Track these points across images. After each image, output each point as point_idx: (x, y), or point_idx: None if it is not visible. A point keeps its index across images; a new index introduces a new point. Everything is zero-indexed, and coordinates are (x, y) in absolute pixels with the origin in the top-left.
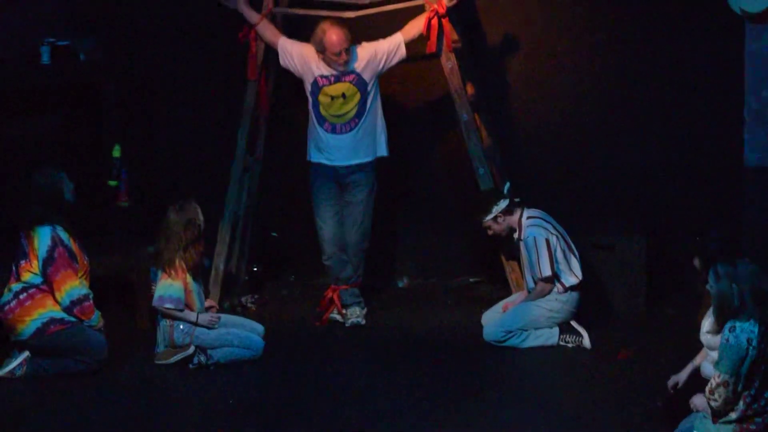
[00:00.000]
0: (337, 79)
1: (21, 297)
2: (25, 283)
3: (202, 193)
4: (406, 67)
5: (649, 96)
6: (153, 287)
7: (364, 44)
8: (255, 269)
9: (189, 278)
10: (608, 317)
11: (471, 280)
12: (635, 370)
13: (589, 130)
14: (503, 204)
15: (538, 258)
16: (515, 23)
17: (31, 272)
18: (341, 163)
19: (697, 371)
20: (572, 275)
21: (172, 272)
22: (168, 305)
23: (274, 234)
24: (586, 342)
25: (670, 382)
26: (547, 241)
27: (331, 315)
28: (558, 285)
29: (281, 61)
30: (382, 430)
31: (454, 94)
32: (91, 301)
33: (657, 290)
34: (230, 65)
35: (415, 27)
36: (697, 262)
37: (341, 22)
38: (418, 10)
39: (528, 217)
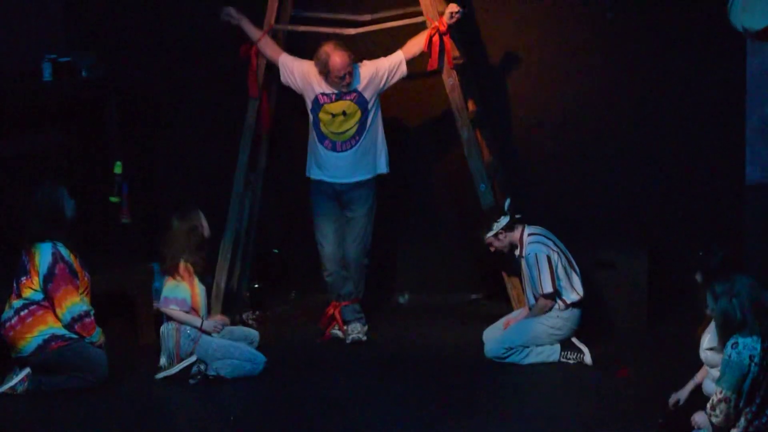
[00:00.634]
0: (338, 97)
1: (22, 313)
2: (26, 299)
3: (203, 209)
4: (408, 84)
5: (650, 113)
6: (155, 304)
7: (366, 62)
8: (256, 286)
9: (196, 281)
10: (609, 334)
11: (472, 296)
12: (637, 387)
13: (590, 147)
14: (504, 221)
15: (540, 275)
16: (516, 41)
17: (32, 289)
18: (341, 181)
19: (698, 388)
20: (573, 292)
21: (177, 276)
22: (173, 306)
23: (275, 250)
24: (588, 359)
25: (672, 400)
26: (549, 258)
27: (332, 331)
28: (559, 302)
29: (282, 78)
30: None
31: (455, 111)
32: (92, 318)
33: (658, 307)
34: (232, 82)
35: (416, 44)
36: (698, 277)
37: (343, 42)
38: (419, 27)
39: (529, 234)
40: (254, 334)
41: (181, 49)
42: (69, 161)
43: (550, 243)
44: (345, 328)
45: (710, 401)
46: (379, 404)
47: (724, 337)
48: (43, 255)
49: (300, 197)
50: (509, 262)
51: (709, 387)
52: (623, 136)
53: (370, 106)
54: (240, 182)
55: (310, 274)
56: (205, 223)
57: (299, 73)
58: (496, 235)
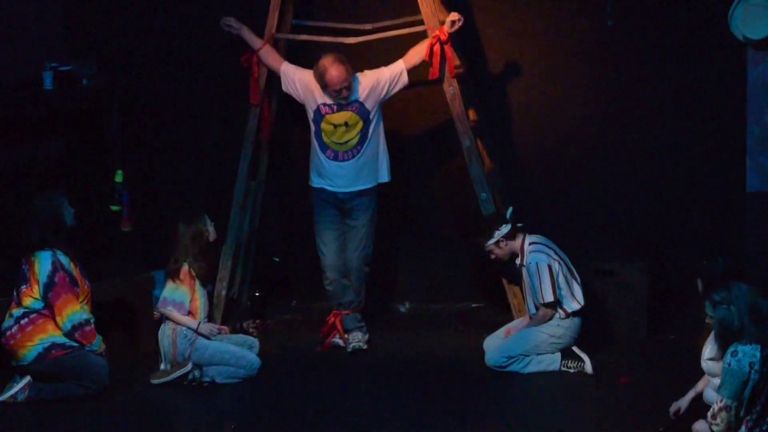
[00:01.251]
0: (340, 108)
1: (22, 322)
2: (26, 308)
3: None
4: (409, 92)
5: (651, 122)
6: (155, 313)
7: (366, 72)
8: (257, 294)
9: (197, 286)
10: (610, 343)
11: (473, 305)
12: (637, 396)
13: (591, 155)
14: (506, 229)
15: (540, 284)
16: (517, 49)
17: (32, 297)
18: (343, 190)
19: (699, 397)
20: (574, 301)
21: (177, 279)
22: (170, 308)
23: (276, 259)
24: (588, 367)
25: (672, 408)
26: (549, 267)
27: (333, 340)
28: (560, 310)
29: (283, 87)
30: None
31: (456, 119)
32: (92, 326)
33: (659, 316)
34: (232, 90)
35: (417, 54)
36: (700, 284)
37: (344, 52)
38: (420, 36)
39: (530, 243)
40: (253, 340)
41: (182, 58)
42: (70, 170)
43: (551, 252)
44: (346, 336)
45: (711, 410)
46: (379, 412)
47: (723, 345)
48: (42, 263)
49: (301, 205)
50: (509, 270)
51: (710, 395)
52: (624, 145)
53: (371, 116)
54: (241, 190)
55: (310, 282)
56: (211, 228)
57: (301, 82)
58: (497, 243)
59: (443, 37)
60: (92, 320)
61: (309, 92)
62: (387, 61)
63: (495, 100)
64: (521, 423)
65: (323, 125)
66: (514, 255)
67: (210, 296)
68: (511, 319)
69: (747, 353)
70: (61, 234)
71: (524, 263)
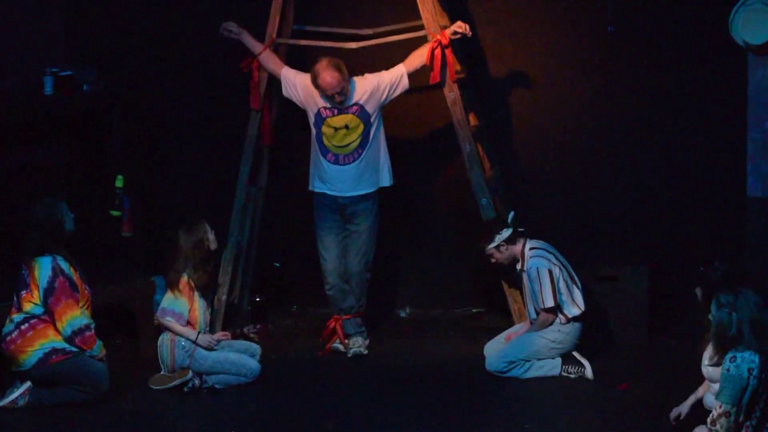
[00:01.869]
0: (340, 111)
1: (22, 327)
2: (26, 313)
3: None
4: (409, 97)
5: (652, 126)
6: (156, 318)
7: (367, 76)
8: (257, 299)
9: (196, 296)
10: (610, 348)
11: (473, 310)
12: (638, 401)
13: (592, 160)
14: (507, 233)
15: (541, 289)
16: (518, 55)
17: (32, 302)
18: (344, 194)
19: (699, 403)
20: (575, 306)
21: (176, 291)
22: (169, 318)
23: (277, 264)
24: (589, 373)
25: (673, 414)
26: (550, 272)
27: (334, 345)
28: (560, 316)
29: (284, 91)
30: None
31: (456, 124)
32: (93, 331)
33: (659, 321)
34: (233, 95)
35: (418, 58)
36: (698, 293)
37: (343, 57)
38: (421, 41)
39: (531, 248)
40: (255, 347)
41: (183, 63)
42: (70, 175)
43: (552, 257)
44: (346, 341)
45: (710, 415)
46: (379, 418)
47: (716, 346)
48: (42, 269)
49: (301, 210)
50: (509, 275)
51: (710, 401)
52: (624, 150)
53: (372, 119)
54: (241, 195)
55: (311, 287)
56: (211, 236)
57: (302, 86)
58: (497, 247)
59: (444, 42)
60: (92, 325)
61: (310, 96)
62: (388, 66)
63: (496, 105)
64: (521, 428)
65: (324, 128)
66: (514, 260)
67: (210, 304)
68: (511, 324)
69: (746, 359)
70: (61, 239)
71: (525, 268)
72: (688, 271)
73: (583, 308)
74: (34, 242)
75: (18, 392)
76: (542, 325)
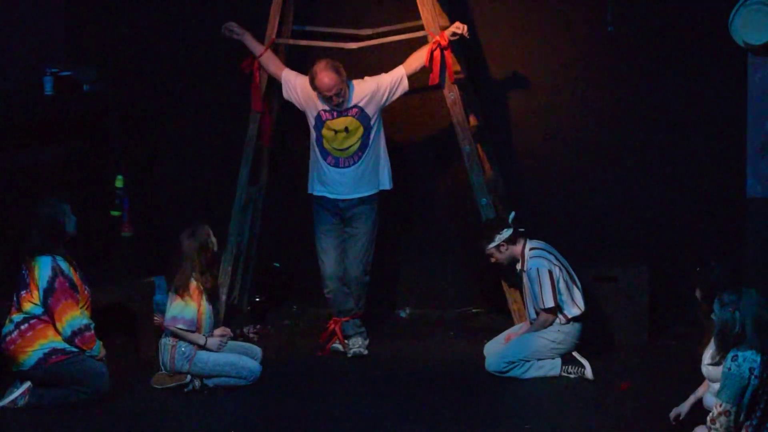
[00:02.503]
0: (340, 113)
1: (22, 327)
2: (26, 313)
3: (204, 222)
4: (409, 98)
5: (651, 127)
6: (156, 318)
7: (367, 78)
8: (257, 299)
9: (204, 300)
10: (611, 348)
11: (473, 310)
12: (637, 401)
13: (592, 161)
14: (507, 233)
15: (541, 289)
16: (517, 55)
17: (31, 303)
18: (343, 197)
19: (699, 403)
20: (575, 306)
21: (186, 296)
22: (180, 326)
23: (277, 264)
24: (589, 373)
25: (673, 414)
26: (550, 273)
27: (334, 345)
28: (560, 316)
29: (284, 94)
30: None
31: (456, 125)
32: (93, 331)
33: (659, 321)
34: (233, 96)
35: (417, 59)
36: (698, 294)
37: (339, 61)
38: (421, 41)
39: (531, 249)
40: (256, 350)
41: (183, 63)
42: (70, 175)
43: (552, 257)
44: (346, 342)
45: (710, 414)
46: (379, 418)
47: (719, 345)
48: (42, 269)
49: (301, 211)
50: (509, 275)
51: (710, 401)
52: (624, 151)
53: (372, 122)
54: (241, 196)
55: (311, 287)
56: (213, 238)
57: (302, 89)
58: (497, 247)
59: (444, 43)
60: (92, 326)
61: (310, 99)
62: (387, 67)
63: (495, 105)
64: (521, 428)
65: (324, 131)
66: (514, 260)
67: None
68: (511, 324)
69: (747, 358)
70: (60, 241)
71: (525, 268)
72: (688, 272)
73: (583, 308)
74: (34, 241)
75: (18, 392)
76: (542, 325)
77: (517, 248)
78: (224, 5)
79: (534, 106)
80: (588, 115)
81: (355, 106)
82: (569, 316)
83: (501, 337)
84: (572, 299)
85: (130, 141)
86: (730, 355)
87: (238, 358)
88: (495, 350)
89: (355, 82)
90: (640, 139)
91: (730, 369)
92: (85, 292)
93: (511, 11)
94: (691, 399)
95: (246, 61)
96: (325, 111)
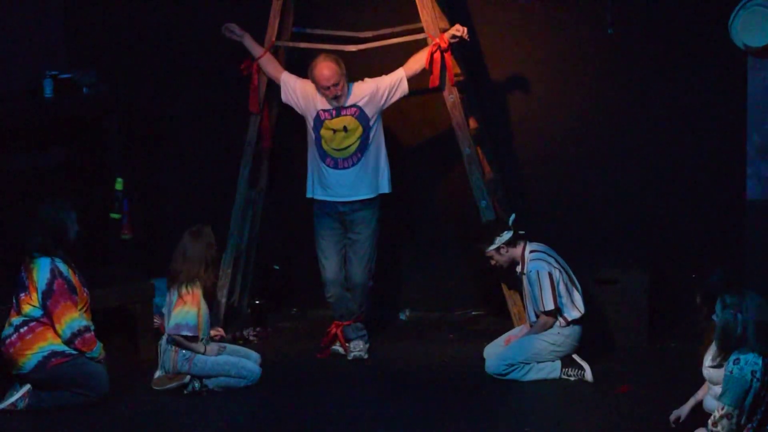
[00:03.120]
0: (339, 113)
1: (22, 330)
2: (25, 316)
3: (199, 231)
4: (409, 100)
5: (651, 130)
6: (156, 321)
7: (366, 80)
8: (257, 302)
9: (202, 303)
10: (610, 351)
11: (473, 312)
12: (638, 404)
13: (591, 163)
14: (507, 235)
15: (541, 292)
16: (517, 57)
17: (31, 305)
18: (343, 199)
19: (699, 405)
20: (575, 309)
21: (189, 297)
22: (185, 332)
23: (276, 267)
24: (588, 375)
25: (673, 417)
26: (550, 275)
27: (334, 347)
28: (560, 319)
29: (283, 97)
30: None
31: (456, 127)
32: (92, 333)
33: (659, 324)
34: (233, 98)
35: (417, 62)
36: (698, 298)
37: (338, 56)
38: (421, 44)
39: (531, 251)
40: (255, 355)
41: (182, 65)
42: (70, 177)
43: (552, 260)
44: (347, 345)
45: (712, 417)
46: (379, 420)
47: (721, 347)
48: (41, 271)
49: (301, 213)
50: (509, 277)
51: (711, 404)
52: (624, 152)
53: (371, 122)
54: (241, 198)
55: (311, 290)
56: (213, 241)
57: (302, 91)
58: (497, 249)
59: (443, 45)
60: (92, 327)
61: (309, 101)
62: (387, 69)
63: (495, 108)
64: (521, 431)
65: (323, 131)
66: (514, 262)
67: (210, 307)
68: (511, 326)
69: (749, 361)
70: (61, 245)
71: (525, 271)
72: (687, 274)
73: (582, 311)
74: (35, 240)
75: (18, 395)
76: (542, 327)
77: (516, 251)
78: (224, 8)
79: (534, 108)
80: (588, 117)
81: (354, 105)
82: (569, 319)
83: (501, 340)
84: (572, 302)
85: (130, 143)
86: (732, 358)
87: (237, 359)
88: (495, 353)
89: (355, 84)
90: (640, 141)
91: (732, 372)
92: (84, 294)
93: (510, 13)
94: (691, 402)
95: (245, 63)
96: (324, 111)
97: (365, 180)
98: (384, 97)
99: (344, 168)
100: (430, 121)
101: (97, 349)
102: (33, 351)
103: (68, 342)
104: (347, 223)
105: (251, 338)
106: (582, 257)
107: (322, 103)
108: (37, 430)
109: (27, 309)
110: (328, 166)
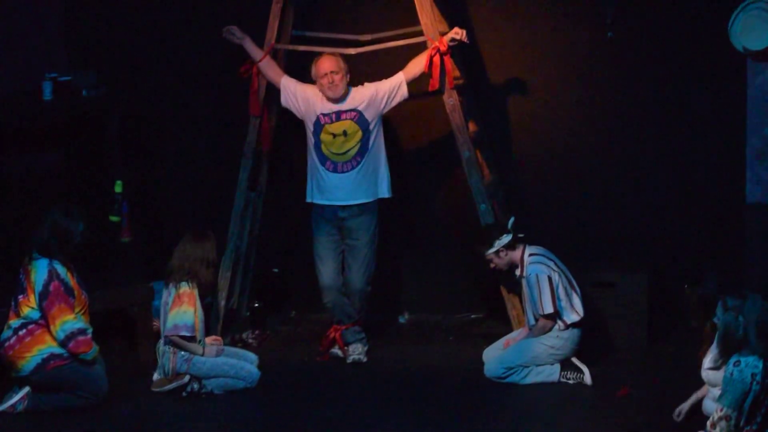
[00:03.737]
0: (338, 117)
1: (20, 333)
2: (24, 318)
3: (200, 230)
4: (408, 104)
5: (651, 133)
6: (155, 323)
7: (366, 84)
8: (256, 305)
9: (198, 304)
10: (609, 354)
11: (472, 316)
12: (636, 407)
13: (591, 167)
14: (506, 238)
15: (540, 295)
16: (517, 61)
17: (29, 307)
18: (342, 203)
19: (698, 406)
20: (574, 312)
21: (186, 297)
22: (183, 332)
23: (276, 270)
24: (587, 378)
25: (676, 411)
26: (549, 279)
27: (333, 351)
28: (559, 322)
29: (282, 101)
30: None
31: (456, 131)
32: (88, 336)
33: (658, 327)
34: (232, 101)
35: (417, 65)
36: (696, 303)
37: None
38: (420, 47)
39: (530, 254)
40: (252, 356)
41: (182, 68)
42: (69, 180)
43: (551, 263)
44: (346, 348)
45: (710, 418)
46: (378, 424)
47: (722, 350)
48: (39, 272)
49: (300, 216)
50: (508, 281)
51: (709, 406)
52: (624, 156)
53: (371, 126)
54: (240, 201)
55: (310, 293)
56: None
57: (302, 95)
58: (497, 252)
59: (443, 49)
60: (88, 330)
61: (309, 104)
62: (387, 73)
63: (495, 111)
64: None
65: (323, 135)
66: (513, 266)
67: (208, 308)
68: (510, 330)
69: (749, 364)
70: (63, 251)
71: (524, 274)
72: (687, 277)
73: (582, 314)
74: (40, 240)
75: (17, 397)
76: (541, 331)
77: (516, 254)
78: (224, 11)
79: (533, 111)
80: (587, 120)
81: (354, 109)
82: (568, 322)
83: (500, 343)
84: (571, 305)
85: (129, 146)
86: (732, 361)
87: (236, 360)
88: (494, 356)
89: (355, 88)
90: (639, 144)
91: (732, 374)
92: (83, 296)
93: (510, 17)
94: (693, 398)
95: (245, 66)
96: (323, 115)
97: (365, 184)
98: (384, 101)
99: (344, 172)
100: (430, 124)
101: (91, 353)
102: (32, 354)
103: (62, 344)
104: (345, 229)
105: (250, 341)
106: (581, 260)
107: (321, 108)
108: None
109: (26, 311)
110: (327, 170)
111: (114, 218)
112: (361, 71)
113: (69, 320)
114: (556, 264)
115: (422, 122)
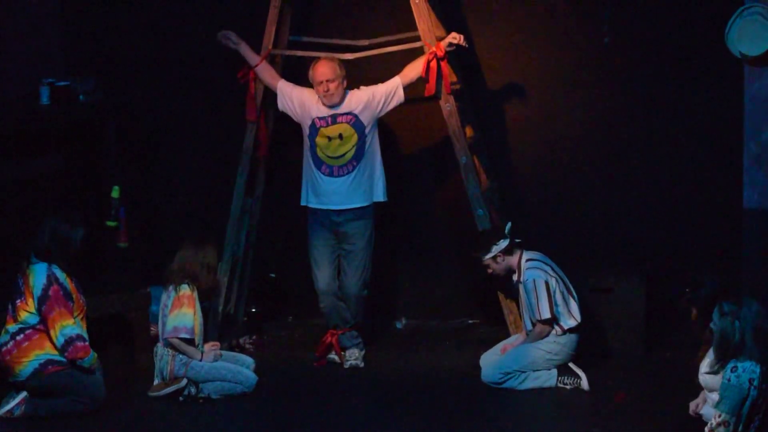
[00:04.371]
0: (334, 120)
1: (18, 338)
2: (21, 323)
3: (200, 234)
4: (405, 109)
5: (648, 139)
6: (152, 329)
7: (362, 88)
8: (253, 310)
9: (197, 306)
10: (607, 359)
11: (469, 321)
12: (634, 412)
13: (588, 172)
14: (504, 244)
15: (538, 300)
16: (513, 66)
17: (27, 311)
18: (337, 207)
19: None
20: (571, 318)
21: (185, 299)
22: (183, 335)
23: (273, 275)
24: (585, 384)
25: (691, 406)
26: (547, 284)
27: (329, 356)
28: (557, 327)
29: (279, 105)
30: None
31: (452, 136)
32: (86, 342)
33: (655, 333)
34: (229, 106)
35: (413, 70)
36: (693, 311)
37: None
38: (417, 52)
39: (527, 260)
40: (249, 360)
41: (179, 74)
42: (66, 185)
43: (548, 268)
44: (342, 353)
45: (709, 424)
46: (374, 429)
47: (719, 355)
48: (37, 276)
49: (297, 221)
50: (505, 286)
51: (708, 411)
52: (620, 161)
53: (367, 130)
54: (237, 206)
55: (307, 298)
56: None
57: (298, 99)
58: (494, 258)
59: (440, 54)
60: (85, 336)
61: (305, 108)
62: (384, 77)
63: (492, 116)
64: None
65: (318, 139)
66: (510, 271)
67: (206, 313)
68: (507, 335)
69: (747, 369)
70: (61, 257)
71: (521, 280)
72: (684, 282)
73: (579, 320)
74: (39, 244)
75: (14, 402)
76: (538, 336)
77: (513, 259)
78: (221, 16)
79: (530, 117)
80: (584, 126)
81: (350, 113)
82: (565, 327)
83: (497, 348)
84: (568, 310)
85: (127, 151)
86: (729, 366)
87: (233, 365)
88: (491, 361)
89: (351, 92)
90: (636, 149)
91: (729, 380)
92: (81, 301)
93: (507, 22)
94: (702, 395)
95: (242, 71)
96: (319, 118)
97: (360, 188)
98: (380, 105)
99: (339, 176)
100: (427, 129)
101: (89, 359)
102: (29, 358)
103: (62, 349)
104: (341, 234)
105: (247, 346)
106: (578, 265)
107: (317, 111)
108: None
109: (23, 316)
110: (323, 173)
111: (111, 223)
112: (358, 76)
113: (68, 325)
114: (553, 269)
115: (420, 127)
